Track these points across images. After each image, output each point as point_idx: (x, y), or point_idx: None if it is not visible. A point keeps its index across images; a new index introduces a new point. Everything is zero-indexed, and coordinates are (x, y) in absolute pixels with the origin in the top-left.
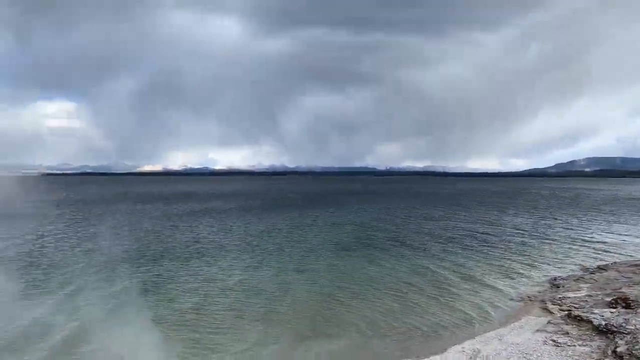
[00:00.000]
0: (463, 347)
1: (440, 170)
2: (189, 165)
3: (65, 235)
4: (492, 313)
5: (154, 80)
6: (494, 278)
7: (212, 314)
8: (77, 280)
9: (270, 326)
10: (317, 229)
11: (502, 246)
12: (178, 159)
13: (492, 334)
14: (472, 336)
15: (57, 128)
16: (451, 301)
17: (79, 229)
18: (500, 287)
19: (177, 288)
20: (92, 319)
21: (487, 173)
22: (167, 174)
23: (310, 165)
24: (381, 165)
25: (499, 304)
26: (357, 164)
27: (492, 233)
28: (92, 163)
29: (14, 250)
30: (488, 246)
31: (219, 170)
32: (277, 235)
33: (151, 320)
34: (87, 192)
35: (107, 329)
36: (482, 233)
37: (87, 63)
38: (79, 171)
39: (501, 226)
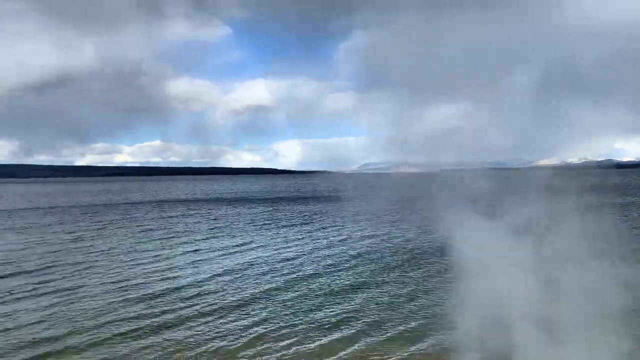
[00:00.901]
0: None
1: None
2: (590, 158)
3: None
4: None
5: (548, 70)
6: None
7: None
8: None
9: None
10: None
11: None
12: (576, 152)
13: None
14: None
15: (455, 127)
16: None
17: None
18: None
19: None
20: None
21: None
22: (564, 167)
23: None
24: None
25: None
26: None
27: None
28: (487, 159)
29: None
30: None
31: (626, 162)
32: None
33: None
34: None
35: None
36: None
37: (483, 62)
38: (474, 167)
39: None
